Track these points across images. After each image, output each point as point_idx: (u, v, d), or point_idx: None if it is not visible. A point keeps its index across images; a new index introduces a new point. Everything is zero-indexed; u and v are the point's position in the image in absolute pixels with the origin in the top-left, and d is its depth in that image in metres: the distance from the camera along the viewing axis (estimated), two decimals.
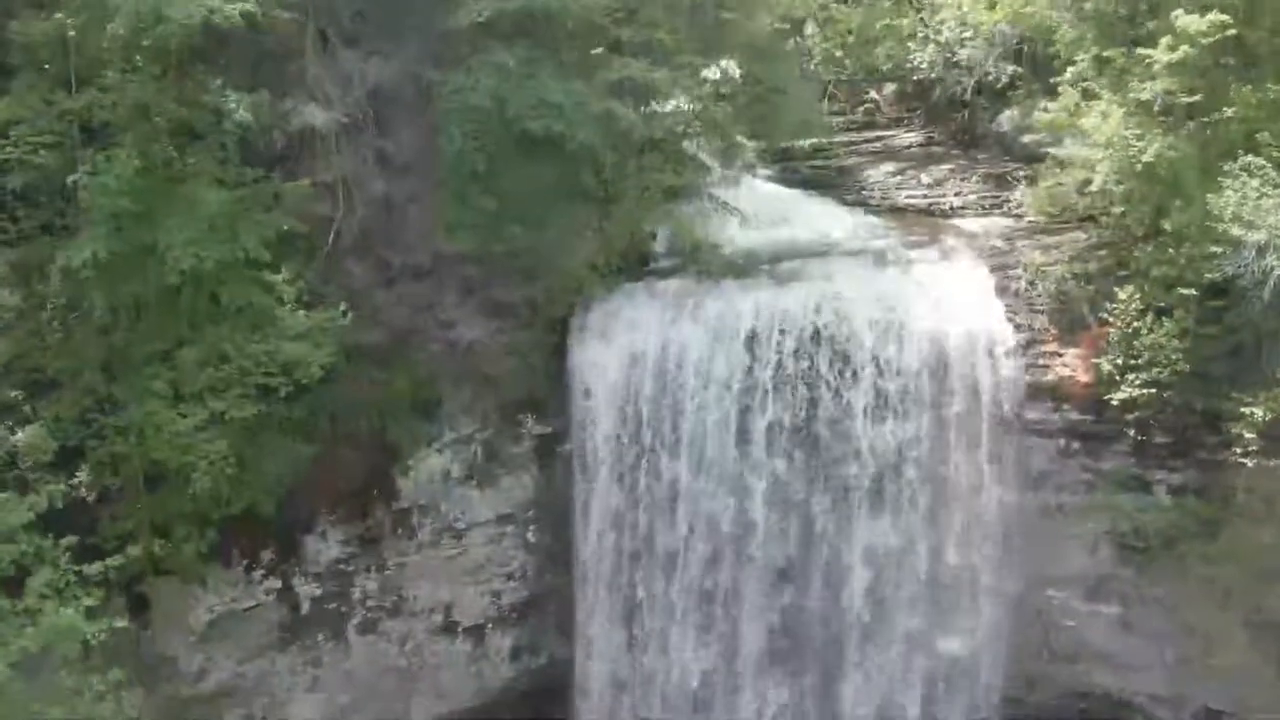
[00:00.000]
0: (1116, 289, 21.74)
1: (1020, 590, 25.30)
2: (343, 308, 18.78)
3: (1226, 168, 19.90)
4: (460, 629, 24.88)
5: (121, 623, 16.55)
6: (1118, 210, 23.76)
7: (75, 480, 17.84)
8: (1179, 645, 25.21)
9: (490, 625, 25.25)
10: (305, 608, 22.77)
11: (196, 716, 21.57)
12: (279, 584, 22.30)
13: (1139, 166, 20.44)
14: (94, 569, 15.65)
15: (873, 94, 34.21)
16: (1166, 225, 20.84)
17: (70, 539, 16.03)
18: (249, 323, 17.72)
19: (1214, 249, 20.01)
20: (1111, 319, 21.66)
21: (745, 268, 24.64)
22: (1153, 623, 25.10)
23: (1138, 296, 21.34)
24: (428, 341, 20.93)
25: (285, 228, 18.19)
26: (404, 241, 20.81)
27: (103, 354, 17.56)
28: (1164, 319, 21.27)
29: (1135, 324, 21.21)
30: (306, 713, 23.41)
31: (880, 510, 23.29)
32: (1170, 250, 20.92)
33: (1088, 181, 23.74)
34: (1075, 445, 23.31)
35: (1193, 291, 20.56)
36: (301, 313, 18.21)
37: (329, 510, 21.98)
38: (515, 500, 24.31)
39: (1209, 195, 19.72)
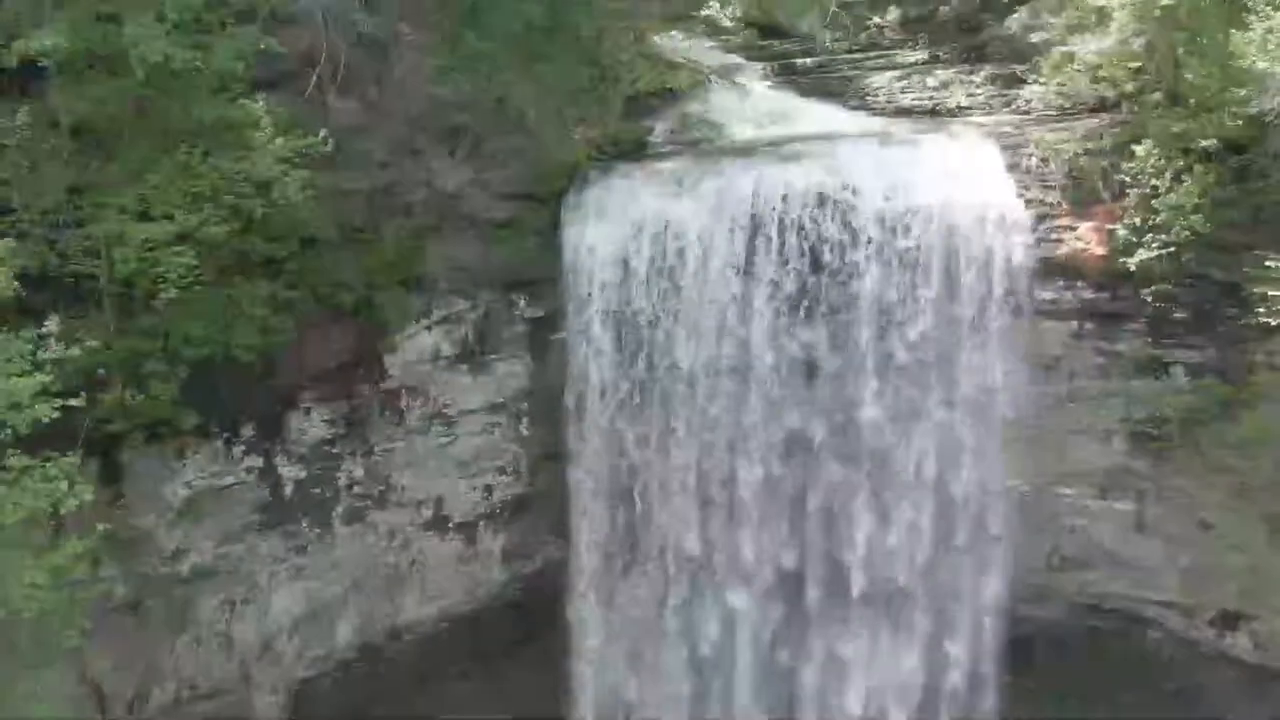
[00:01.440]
0: (1135, 147, 20.77)
1: (1030, 489, 24.30)
2: (323, 134, 17.83)
3: (1250, 3, 19.05)
4: (451, 525, 23.97)
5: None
6: (1131, 88, 22.87)
7: (44, 329, 16.79)
8: (1195, 544, 24.35)
9: (482, 523, 24.33)
10: (288, 491, 21.84)
11: (175, 597, 20.44)
12: (260, 462, 21.34)
13: (1157, 11, 19.57)
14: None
15: (876, 20, 33.39)
16: (1188, 75, 19.94)
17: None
18: (222, 141, 16.77)
19: (1237, 91, 19.11)
20: (1128, 179, 20.71)
21: (746, 149, 23.72)
22: (1168, 521, 24.23)
23: (1155, 152, 20.42)
24: (412, 188, 19.99)
25: (262, 46, 17.27)
26: (390, 83, 19.91)
27: (70, 179, 16.58)
28: (1183, 178, 20.34)
29: (1154, 182, 20.31)
30: (289, 604, 22.45)
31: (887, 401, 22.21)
32: (1190, 104, 20.02)
33: (1099, 69, 22.92)
34: (1089, 327, 22.46)
35: (1214, 143, 19.62)
36: (280, 139, 17.26)
37: (312, 386, 21.00)
38: (508, 389, 23.40)
39: (1233, 32, 18.83)
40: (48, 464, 14.68)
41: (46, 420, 14.12)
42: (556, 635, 24.94)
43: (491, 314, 22.43)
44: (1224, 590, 24.43)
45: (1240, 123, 19.73)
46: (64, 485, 14.54)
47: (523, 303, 22.75)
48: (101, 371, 17.27)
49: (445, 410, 22.87)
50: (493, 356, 23.10)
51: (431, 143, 20.39)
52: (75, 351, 15.54)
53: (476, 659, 25.73)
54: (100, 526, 15.85)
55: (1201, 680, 26.56)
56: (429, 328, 21.97)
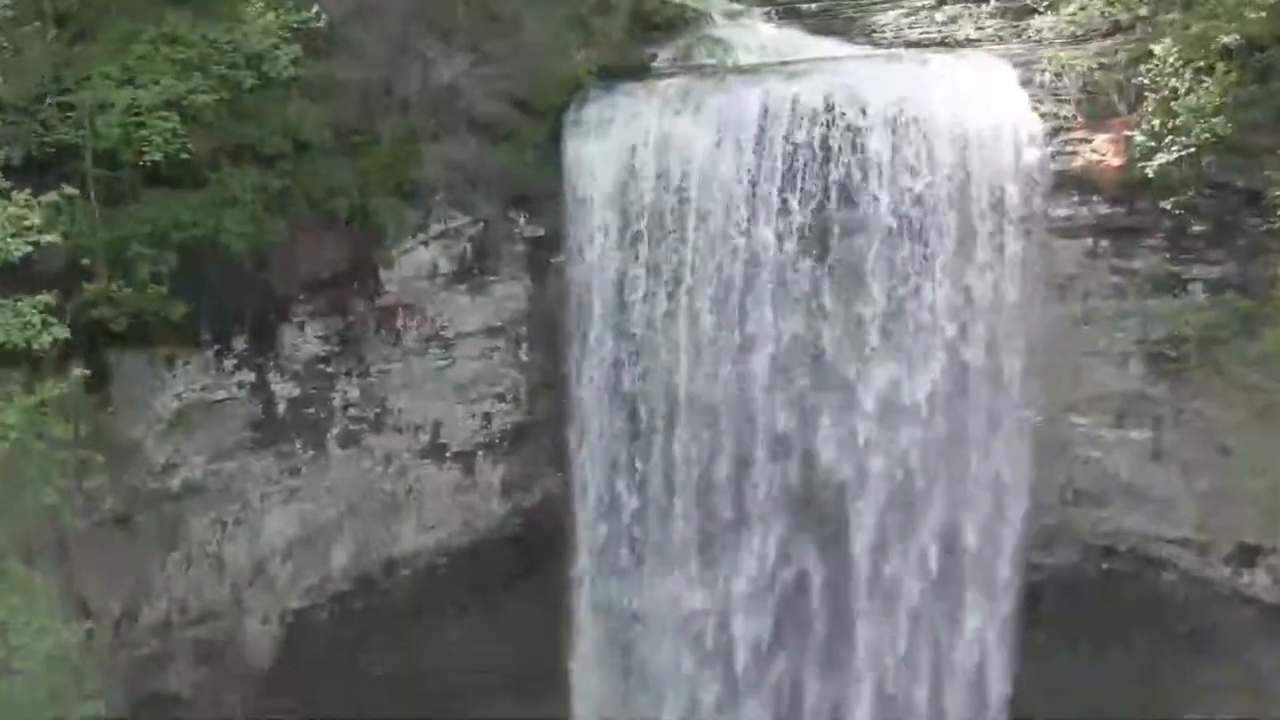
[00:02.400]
0: (1153, 47, 20.16)
1: (1043, 420, 23.64)
2: (315, 9, 17.24)
3: None
4: (449, 454, 23.34)
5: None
6: (1145, 11, 22.30)
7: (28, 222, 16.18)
8: (1213, 472, 23.68)
9: (480, 453, 23.71)
10: (281, 409, 21.28)
11: (165, 513, 19.83)
12: (252, 377, 20.80)
13: None
14: None
15: None
16: None
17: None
18: (212, 12, 16.19)
19: None
20: (1147, 82, 20.11)
21: (752, 69, 23.21)
22: (1185, 447, 23.58)
23: (1175, 51, 19.81)
24: (408, 82, 19.40)
25: None
26: None
27: (55, 60, 16.01)
28: (1203, 79, 19.72)
29: (1173, 83, 19.71)
30: (283, 526, 21.89)
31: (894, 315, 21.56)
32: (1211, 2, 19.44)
33: None
34: (1104, 244, 21.83)
35: (1235, 39, 19.00)
36: (271, 14, 16.69)
37: (306, 297, 20.41)
38: (507, 313, 22.83)
39: None
40: (19, 302, 14.08)
41: (19, 254, 13.43)
42: (556, 570, 24.19)
43: (490, 231, 21.83)
44: (1243, 518, 23.77)
45: (1263, 14, 19.07)
46: (36, 321, 13.90)
47: (523, 220, 22.16)
48: (86, 261, 16.59)
49: (443, 332, 22.29)
50: (491, 278, 22.49)
51: (427, 35, 19.74)
52: (56, 238, 14.86)
53: (475, 592, 25.10)
54: (76, 371, 15.03)
55: (1217, 621, 25.89)
56: (426, 243, 21.39)
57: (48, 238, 14.80)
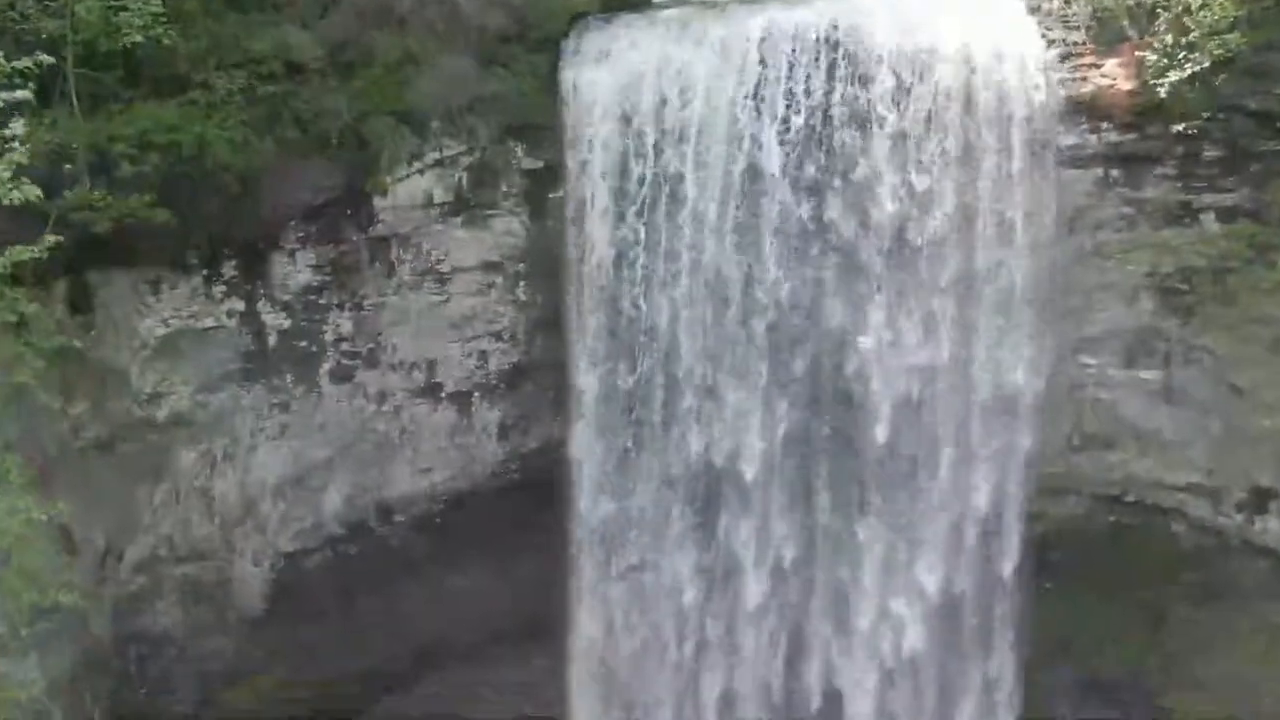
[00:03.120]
0: None
1: (1052, 360, 23.10)
2: None
3: None
4: (443, 394, 22.80)
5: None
6: None
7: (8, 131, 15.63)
8: (1224, 412, 23.20)
9: (477, 394, 23.14)
10: (272, 340, 20.77)
11: (151, 443, 19.26)
12: (242, 306, 20.30)
13: None
14: None
15: None
16: None
17: None
18: None
19: None
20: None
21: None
22: (1196, 386, 23.09)
23: None
24: None
25: None
26: None
27: None
28: None
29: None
30: (273, 463, 21.35)
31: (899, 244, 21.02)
32: None
33: None
34: (1115, 174, 21.30)
35: None
36: None
37: (297, 225, 19.87)
38: (504, 248, 22.28)
39: None
40: None
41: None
42: (556, 521, 23.61)
43: (487, 161, 21.31)
44: (1255, 459, 23.25)
45: None
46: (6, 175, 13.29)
47: (520, 151, 21.62)
48: (69, 167, 16.04)
49: (438, 266, 21.76)
50: (489, 211, 21.94)
51: None
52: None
53: (472, 543, 24.50)
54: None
55: (1227, 572, 25.41)
56: (421, 171, 20.87)
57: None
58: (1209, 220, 21.13)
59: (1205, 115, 20.02)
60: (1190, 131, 20.06)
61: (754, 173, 21.26)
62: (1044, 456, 24.02)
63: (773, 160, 20.99)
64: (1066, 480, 25.02)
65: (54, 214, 15.74)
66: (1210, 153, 20.50)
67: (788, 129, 20.99)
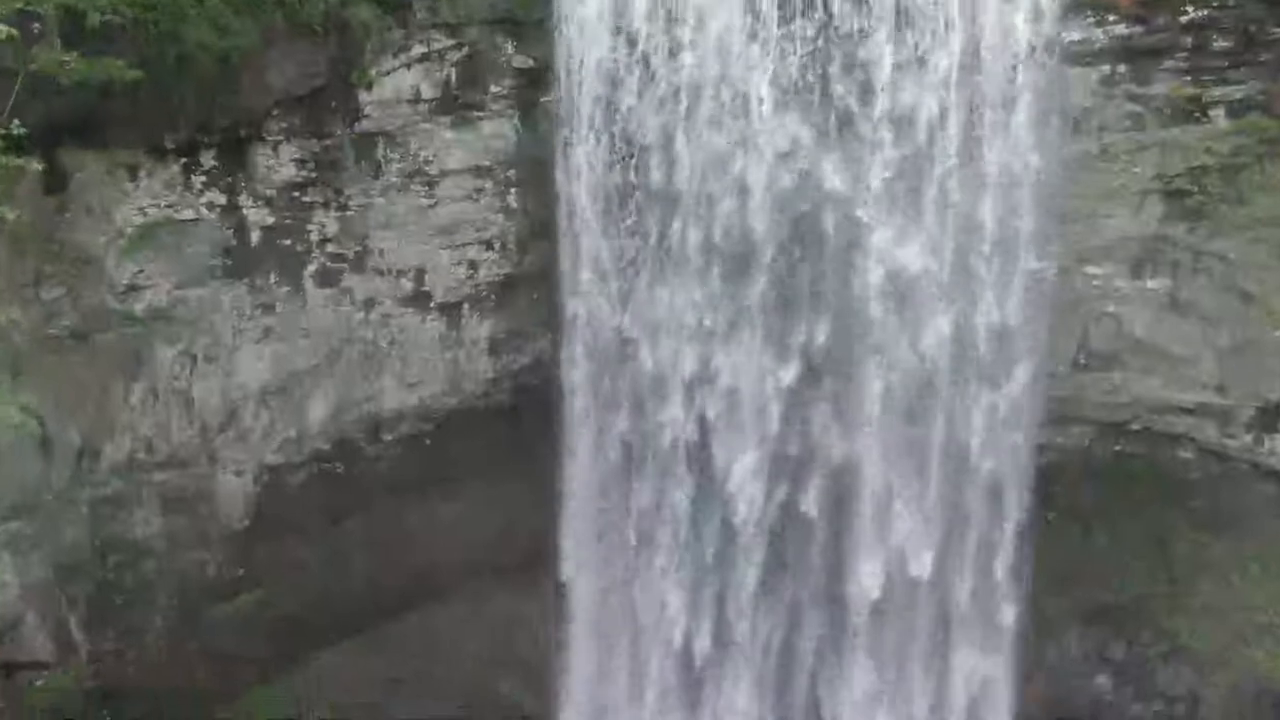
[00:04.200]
0: None
1: (1056, 272, 22.49)
2: None
3: None
4: (432, 304, 22.20)
5: None
6: None
7: None
8: (1233, 323, 22.72)
9: (466, 305, 22.54)
10: (255, 237, 20.18)
11: (128, 336, 18.65)
12: (223, 199, 19.72)
13: None
14: None
15: None
16: None
17: None
18: None
19: None
20: None
21: None
22: (1205, 295, 22.60)
23: None
24: None
25: None
26: None
27: None
28: None
29: None
30: (257, 368, 20.76)
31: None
32: None
33: None
34: (1121, 69, 20.74)
35: None
36: None
37: (279, 115, 19.26)
38: (494, 151, 21.69)
39: None
40: None
41: None
42: (549, 448, 22.97)
43: (476, 57, 20.72)
44: (1265, 372, 22.73)
45: None
46: None
47: (510, 48, 21.00)
48: (37, 27, 15.45)
49: (426, 168, 21.17)
50: (478, 113, 21.36)
51: None
52: None
53: (464, 469, 23.91)
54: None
55: (1234, 498, 24.96)
56: (408, 65, 20.26)
57: None
58: (1218, 116, 20.60)
59: (1215, 3, 19.36)
60: (1200, 19, 19.37)
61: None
62: (1050, 377, 23.35)
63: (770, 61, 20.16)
64: (1071, 406, 24.47)
65: (22, 72, 15.07)
66: (1220, 43, 19.95)
67: (788, 32, 20.18)
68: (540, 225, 22.46)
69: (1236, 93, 20.23)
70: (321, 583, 24.04)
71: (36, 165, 16.46)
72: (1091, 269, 22.87)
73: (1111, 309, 23.24)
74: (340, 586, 24.20)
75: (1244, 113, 20.21)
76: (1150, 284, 22.69)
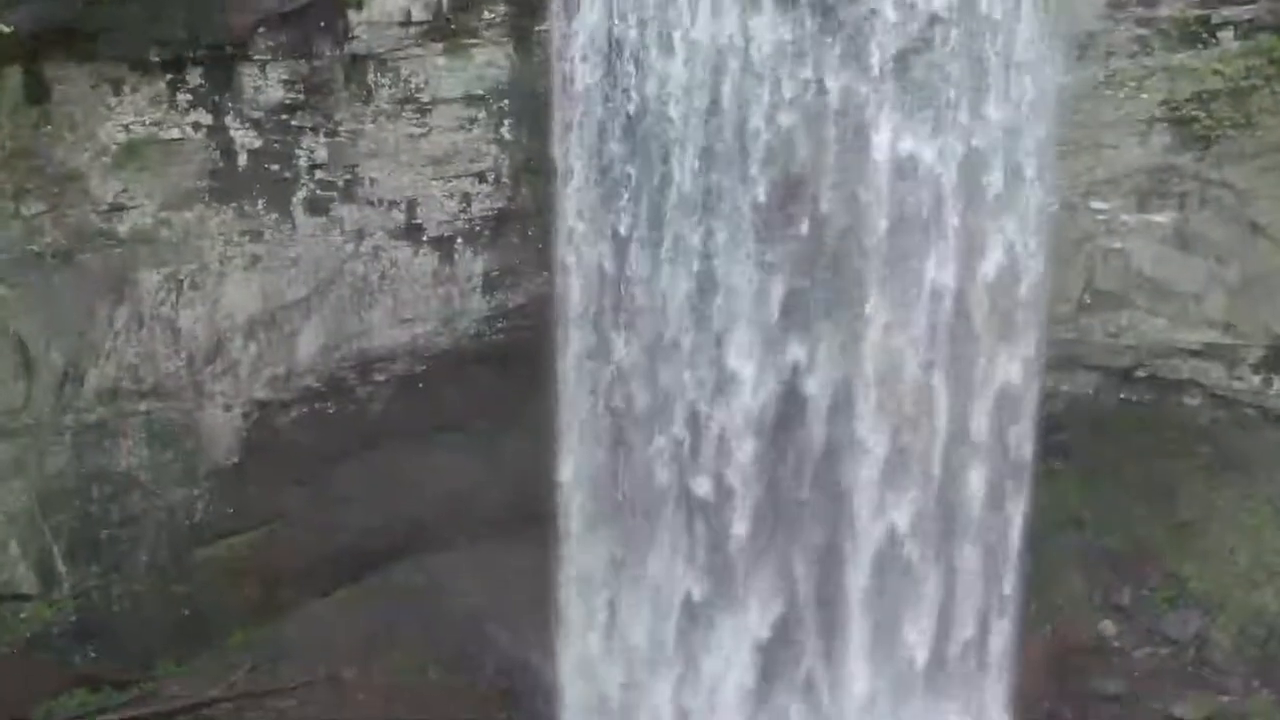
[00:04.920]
0: None
1: (1061, 206, 22.06)
2: None
3: None
4: (425, 237, 21.72)
5: None
6: None
7: None
8: (1243, 256, 22.37)
9: (460, 239, 22.10)
10: (242, 160, 19.76)
11: (113, 256, 18.22)
12: (209, 120, 19.31)
13: None
14: None
15: None
16: None
17: None
18: None
19: None
20: None
21: None
22: (1213, 228, 22.22)
23: None
24: None
25: None
26: None
27: None
28: None
29: None
30: (244, 298, 20.36)
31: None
32: None
33: None
34: None
35: None
36: None
37: (266, 32, 18.82)
38: (488, 81, 21.25)
39: None
40: None
41: None
42: (544, 403, 22.42)
43: None
44: (1274, 308, 22.43)
45: None
46: None
47: None
48: None
49: (418, 95, 20.75)
50: (470, 40, 20.93)
51: None
52: None
53: (459, 416, 23.47)
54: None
55: (1242, 445, 24.59)
56: None
57: None
58: (1227, 37, 20.23)
59: None
60: None
61: None
62: (1053, 318, 22.90)
63: None
64: (1076, 349, 24.07)
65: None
66: None
67: None
68: (535, 159, 21.96)
69: (1245, 13, 19.81)
70: (314, 528, 23.61)
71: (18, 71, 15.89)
72: (1097, 203, 22.46)
73: (1117, 244, 22.79)
74: (333, 534, 23.79)
75: (1253, 33, 19.78)
76: (1157, 217, 22.28)
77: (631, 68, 19.15)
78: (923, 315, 20.19)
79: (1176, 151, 21.46)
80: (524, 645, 24.29)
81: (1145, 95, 21.08)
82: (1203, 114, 20.85)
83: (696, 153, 19.84)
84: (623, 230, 21.55)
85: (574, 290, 21.93)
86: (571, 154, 21.13)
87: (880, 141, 18.70)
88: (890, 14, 18.38)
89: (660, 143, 19.98)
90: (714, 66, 18.88)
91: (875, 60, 18.61)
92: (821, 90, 18.97)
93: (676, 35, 18.84)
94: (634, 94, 19.42)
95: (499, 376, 23.67)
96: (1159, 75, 20.86)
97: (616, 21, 18.94)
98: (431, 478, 24.17)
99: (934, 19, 18.50)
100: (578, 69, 19.47)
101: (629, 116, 20.34)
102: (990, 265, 20.92)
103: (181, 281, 19.82)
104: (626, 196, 21.20)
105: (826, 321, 20.97)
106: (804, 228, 20.11)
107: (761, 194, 19.82)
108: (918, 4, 18.36)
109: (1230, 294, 22.74)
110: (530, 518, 22.95)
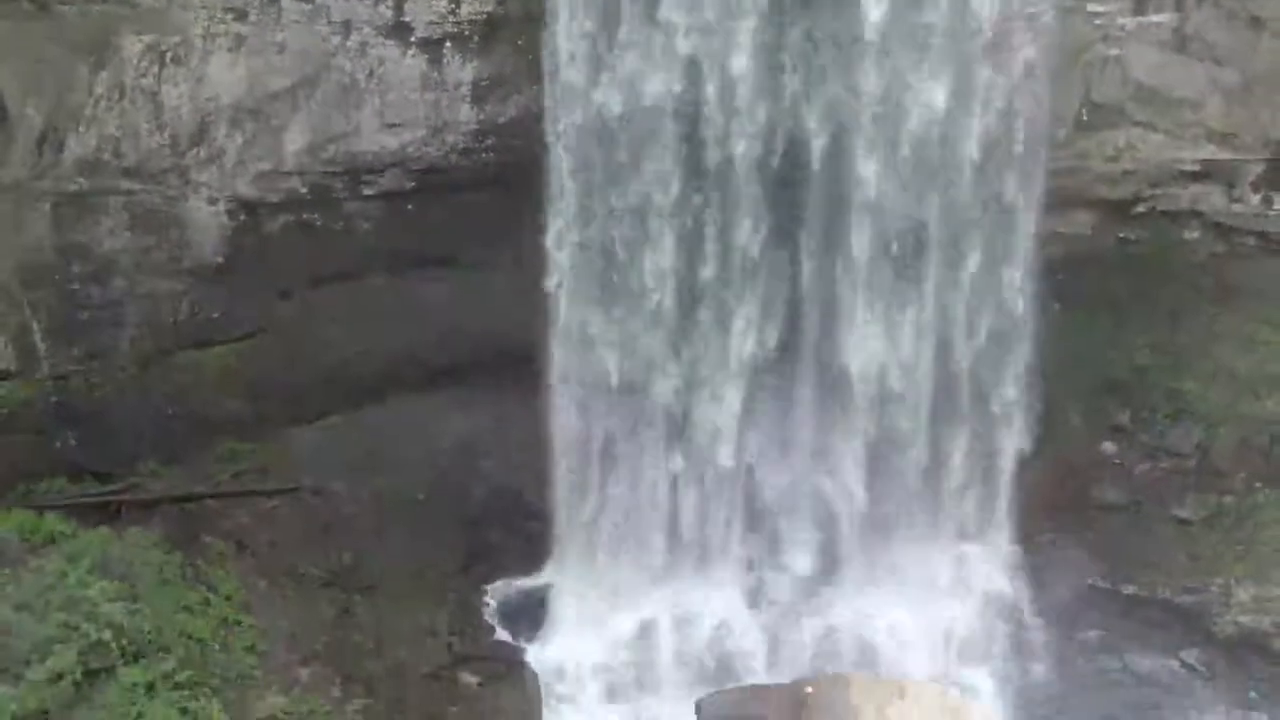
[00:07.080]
0: None
1: (1057, 12, 21.75)
2: None
3: None
4: (413, 38, 21.36)
5: None
6: None
7: None
8: (1242, 54, 22.02)
9: (449, 44, 21.75)
10: None
11: (91, 15, 17.92)
12: None
13: None
14: None
15: None
16: None
17: None
18: None
19: None
20: None
21: None
22: (1212, 28, 21.96)
23: None
24: None
25: None
26: None
27: None
28: None
29: None
30: (229, 80, 20.14)
31: None
32: None
33: None
34: None
35: None
36: None
37: None
38: None
39: None
40: None
41: None
42: (535, 237, 22.03)
43: None
44: (1274, 112, 22.11)
45: None
46: None
47: None
48: None
49: None
50: None
51: None
52: None
53: (449, 252, 23.07)
54: None
55: (1244, 276, 24.30)
56: None
57: None
58: None
59: None
60: None
61: None
62: (1052, 140, 22.62)
63: None
64: (1073, 180, 23.68)
65: None
66: None
67: None
68: None
69: None
70: (300, 347, 23.22)
71: None
72: (1094, 6, 22.11)
73: (1115, 52, 22.45)
74: (319, 355, 23.38)
75: None
76: (1155, 18, 22.00)
77: None
78: None
79: None
80: (513, 470, 23.96)
81: None
82: None
83: None
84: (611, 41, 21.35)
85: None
86: None
87: None
88: None
89: None
90: None
91: None
92: None
93: None
94: None
95: (488, 203, 23.30)
96: None
97: None
98: (418, 312, 23.84)
99: None
100: None
101: None
102: None
103: (164, 54, 19.55)
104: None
105: None
106: None
107: None
108: None
109: (1229, 99, 22.49)
110: (518, 359, 22.58)
